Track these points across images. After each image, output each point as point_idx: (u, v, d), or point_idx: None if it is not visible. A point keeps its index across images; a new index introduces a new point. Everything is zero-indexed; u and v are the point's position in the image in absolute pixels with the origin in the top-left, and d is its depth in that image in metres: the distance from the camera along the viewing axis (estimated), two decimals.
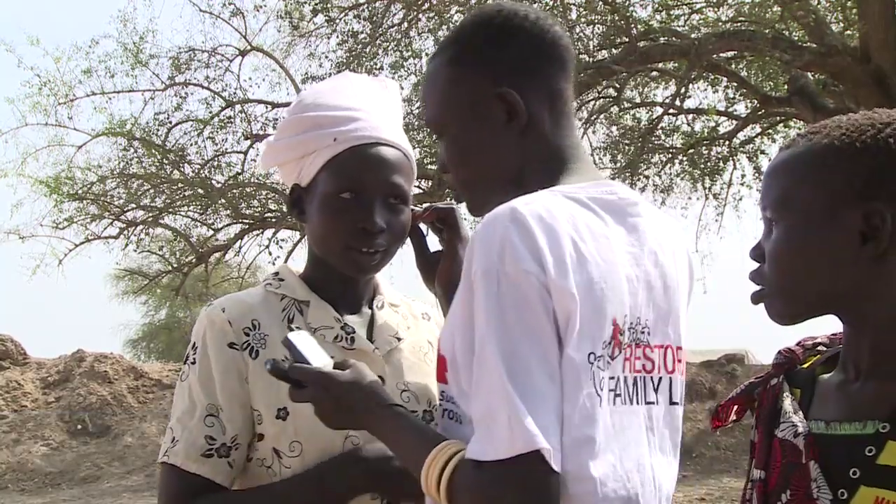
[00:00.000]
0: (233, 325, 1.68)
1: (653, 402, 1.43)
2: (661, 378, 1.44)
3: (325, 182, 1.71)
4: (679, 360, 1.48)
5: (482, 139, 1.51)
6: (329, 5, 11.49)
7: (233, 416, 1.66)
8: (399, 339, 1.78)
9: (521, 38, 1.50)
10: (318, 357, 1.56)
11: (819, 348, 1.39)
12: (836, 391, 1.29)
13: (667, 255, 1.48)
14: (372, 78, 1.85)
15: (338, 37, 11.80)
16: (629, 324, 1.39)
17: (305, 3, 11.97)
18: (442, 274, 1.74)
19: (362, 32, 11.57)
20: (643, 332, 1.42)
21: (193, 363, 1.69)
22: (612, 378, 1.36)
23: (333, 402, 1.49)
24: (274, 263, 13.88)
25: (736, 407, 1.38)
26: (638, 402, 1.41)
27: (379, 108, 1.77)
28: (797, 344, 1.40)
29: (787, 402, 1.30)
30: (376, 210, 1.69)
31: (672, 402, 1.47)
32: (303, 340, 1.57)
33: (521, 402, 1.24)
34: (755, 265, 1.33)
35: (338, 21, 11.68)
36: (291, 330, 1.68)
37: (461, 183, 1.56)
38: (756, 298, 1.31)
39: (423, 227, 1.82)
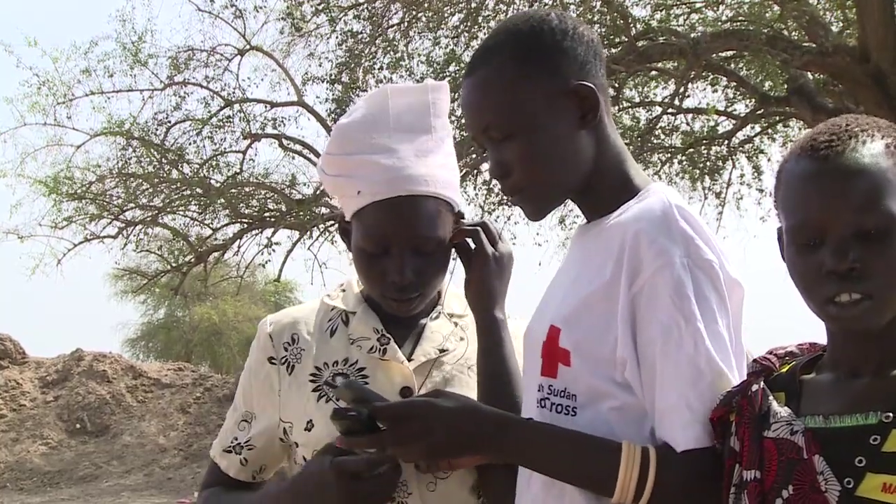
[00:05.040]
0: (273, 340, 1.77)
1: None
2: None
3: (355, 231, 1.70)
4: None
5: (558, 138, 1.49)
6: (329, 5, 11.49)
7: (257, 423, 1.79)
8: (442, 351, 1.76)
9: (576, 37, 1.51)
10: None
11: (786, 358, 1.41)
12: (829, 388, 1.31)
13: None
14: (414, 89, 1.74)
15: (337, 37, 11.80)
16: None
17: (304, 2, 11.97)
18: (470, 290, 1.74)
19: (362, 32, 11.57)
20: None
21: (244, 371, 1.83)
22: None
23: (445, 431, 1.44)
24: (264, 265, 13.90)
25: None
26: None
27: (416, 139, 1.69)
28: (769, 353, 1.40)
29: (776, 404, 1.31)
30: (405, 262, 1.66)
31: None
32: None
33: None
34: (819, 273, 1.26)
35: (338, 21, 11.68)
36: (328, 342, 1.74)
37: (532, 186, 1.52)
38: (858, 310, 1.24)
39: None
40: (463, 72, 1.59)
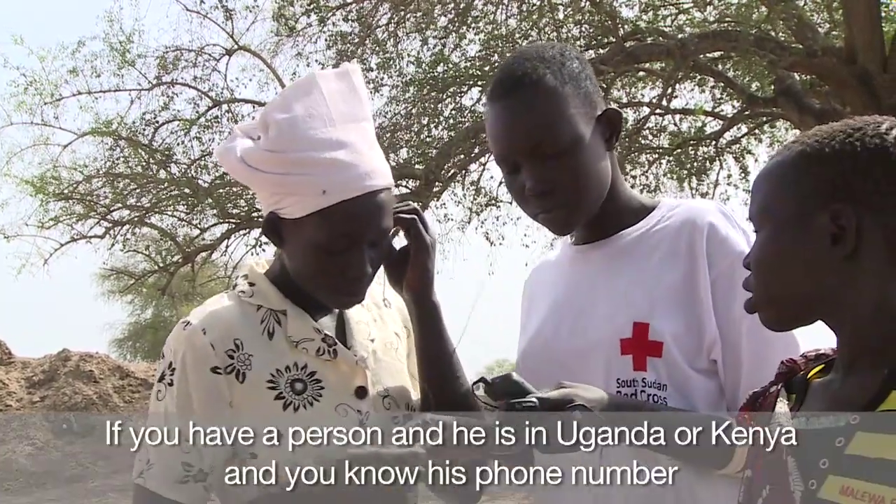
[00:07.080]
0: (216, 349, 1.61)
1: None
2: None
3: (313, 229, 1.60)
4: None
5: (599, 157, 1.65)
6: (319, 5, 11.47)
7: (211, 441, 1.56)
8: (372, 341, 1.73)
9: (588, 65, 1.68)
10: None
11: (817, 360, 1.42)
12: (822, 389, 1.32)
13: None
14: (337, 75, 1.66)
15: (326, 40, 11.77)
16: None
17: (293, 2, 11.95)
18: (410, 281, 1.74)
19: (351, 34, 11.55)
20: None
21: (171, 384, 1.62)
22: None
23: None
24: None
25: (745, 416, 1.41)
26: None
27: (360, 130, 1.63)
28: (801, 355, 1.42)
29: (780, 405, 1.33)
30: (365, 256, 1.62)
31: None
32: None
33: None
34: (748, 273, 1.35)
35: (326, 21, 11.66)
36: (270, 346, 1.65)
37: (575, 201, 1.64)
38: (749, 307, 1.34)
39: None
40: (487, 95, 1.70)
